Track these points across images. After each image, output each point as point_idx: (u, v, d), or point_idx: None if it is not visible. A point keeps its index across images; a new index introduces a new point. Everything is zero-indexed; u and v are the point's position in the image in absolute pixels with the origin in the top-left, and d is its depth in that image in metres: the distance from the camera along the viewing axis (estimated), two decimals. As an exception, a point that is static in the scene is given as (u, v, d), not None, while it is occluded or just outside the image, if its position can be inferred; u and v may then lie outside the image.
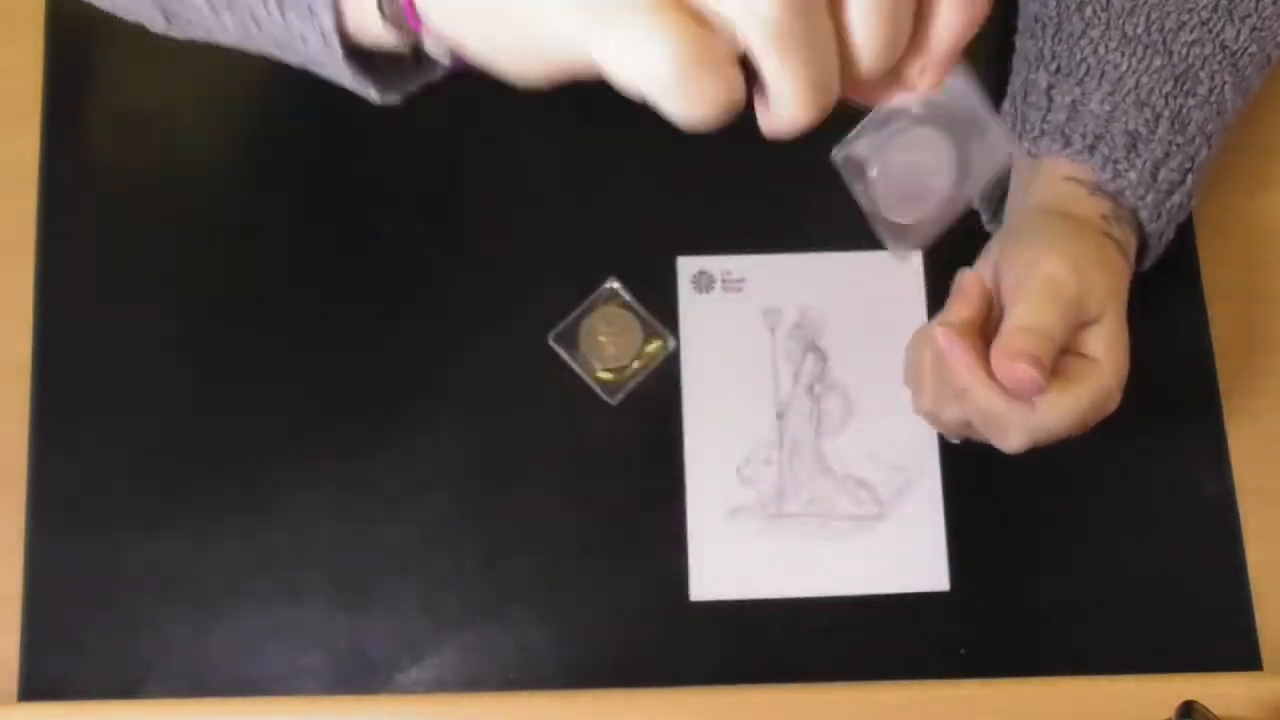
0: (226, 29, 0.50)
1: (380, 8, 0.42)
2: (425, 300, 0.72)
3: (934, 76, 0.39)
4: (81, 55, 0.76)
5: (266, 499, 0.69)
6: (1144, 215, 0.63)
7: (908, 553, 0.69)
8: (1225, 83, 0.64)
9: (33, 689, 0.66)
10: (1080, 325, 0.58)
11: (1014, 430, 0.59)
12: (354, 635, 0.67)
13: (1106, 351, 0.58)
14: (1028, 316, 0.57)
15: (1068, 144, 0.63)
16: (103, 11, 0.68)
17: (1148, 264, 0.66)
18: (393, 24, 0.43)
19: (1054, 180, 0.64)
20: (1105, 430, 0.71)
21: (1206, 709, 0.58)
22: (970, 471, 0.70)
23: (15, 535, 0.68)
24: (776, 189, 0.73)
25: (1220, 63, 0.64)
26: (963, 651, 0.67)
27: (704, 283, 0.72)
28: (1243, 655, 0.67)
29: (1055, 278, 0.57)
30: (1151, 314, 0.73)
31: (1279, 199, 0.76)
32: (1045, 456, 0.71)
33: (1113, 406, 0.59)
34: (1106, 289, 0.59)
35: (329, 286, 0.72)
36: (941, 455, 0.70)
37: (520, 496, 0.69)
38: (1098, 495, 0.70)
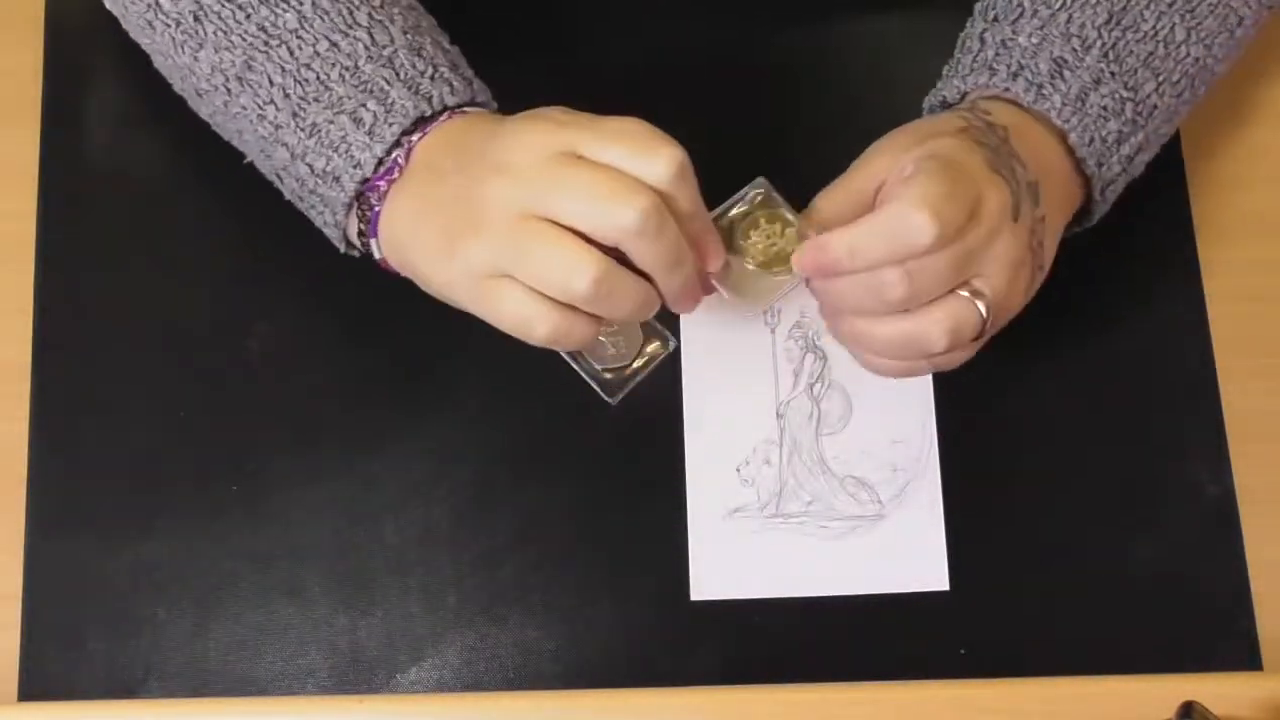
0: (249, 147, 0.66)
1: (361, 233, 0.62)
2: (425, 300, 0.72)
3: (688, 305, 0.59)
4: (81, 55, 0.76)
5: (266, 499, 0.69)
6: (1073, 139, 0.62)
7: (908, 553, 0.69)
8: (1174, 24, 0.64)
9: (33, 689, 0.66)
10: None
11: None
12: (354, 635, 0.67)
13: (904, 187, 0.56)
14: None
15: (993, 74, 0.63)
16: (102, 11, 0.69)
17: (1097, 209, 0.65)
18: (364, 244, 0.63)
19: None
20: (1106, 430, 0.71)
21: (1206, 709, 0.58)
22: (970, 471, 0.70)
23: (15, 535, 0.68)
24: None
25: (1169, 5, 0.64)
26: (963, 651, 0.67)
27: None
28: (1243, 655, 0.67)
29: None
30: (1151, 314, 0.73)
31: (1279, 199, 0.76)
32: (1045, 456, 0.71)
33: (914, 232, 0.54)
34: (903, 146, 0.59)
35: (329, 286, 0.72)
36: (941, 455, 0.70)
37: (520, 496, 0.69)
38: (1098, 495, 0.70)
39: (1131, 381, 0.72)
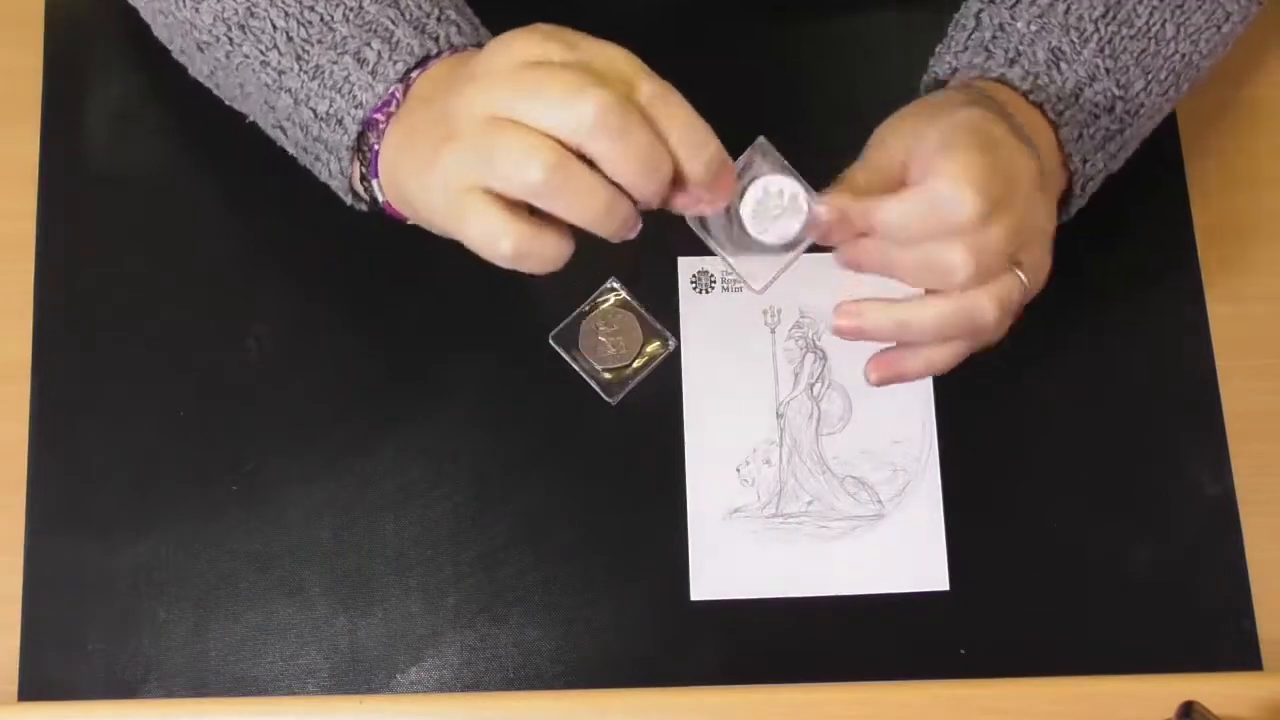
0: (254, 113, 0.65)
1: (363, 178, 0.61)
2: (425, 299, 0.72)
3: (708, 204, 0.54)
4: (81, 55, 0.76)
5: (266, 499, 0.69)
6: (1064, 133, 0.62)
7: (908, 553, 0.69)
8: (1165, 20, 0.64)
9: (33, 689, 0.66)
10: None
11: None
12: (354, 635, 0.67)
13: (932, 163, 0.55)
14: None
15: (990, 57, 0.63)
16: (102, 11, 0.69)
17: (1075, 203, 0.65)
18: (368, 189, 0.62)
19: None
20: (1106, 431, 0.71)
21: (1206, 709, 0.58)
22: (970, 471, 0.70)
23: (15, 535, 0.68)
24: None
25: (1161, 0, 0.64)
26: (963, 651, 0.67)
27: (704, 283, 0.73)
28: (1243, 655, 0.67)
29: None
30: (1151, 314, 0.73)
31: (1279, 199, 0.76)
32: (1045, 457, 0.71)
33: (960, 208, 0.53)
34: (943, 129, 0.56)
35: (329, 286, 0.72)
36: (941, 455, 0.70)
37: (520, 496, 0.69)
38: (1098, 495, 0.70)
39: (1131, 381, 0.72)
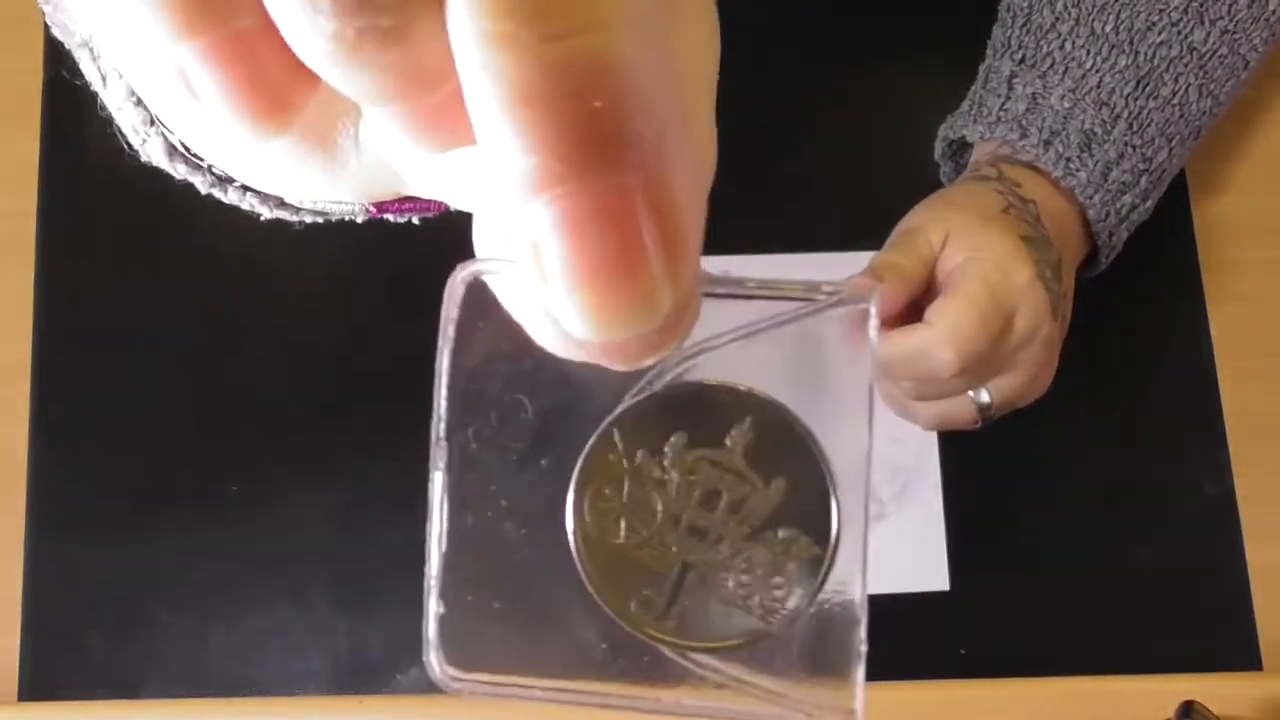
0: None
1: None
2: (426, 300, 0.72)
3: None
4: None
5: (267, 499, 0.69)
6: (1091, 214, 0.63)
7: (908, 553, 0.69)
8: (1190, 85, 0.64)
9: (33, 689, 0.66)
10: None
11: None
12: (354, 636, 0.67)
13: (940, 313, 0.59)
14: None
15: (1024, 135, 0.64)
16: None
17: (1102, 265, 0.66)
18: None
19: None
20: (1106, 430, 0.71)
21: (1206, 709, 0.58)
22: (970, 472, 0.70)
23: (15, 535, 0.68)
24: (776, 190, 0.73)
25: (1186, 65, 0.64)
26: (963, 651, 0.67)
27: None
28: (1243, 655, 0.67)
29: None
30: (1151, 314, 0.73)
31: (1279, 199, 0.76)
32: (1045, 457, 0.71)
33: (937, 366, 0.58)
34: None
35: (330, 286, 0.72)
36: (941, 455, 0.70)
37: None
38: (1098, 495, 0.70)
39: (1131, 381, 0.72)
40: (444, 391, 0.28)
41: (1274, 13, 0.65)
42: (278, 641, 0.67)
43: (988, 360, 0.59)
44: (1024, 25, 0.66)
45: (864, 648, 0.27)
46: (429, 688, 0.71)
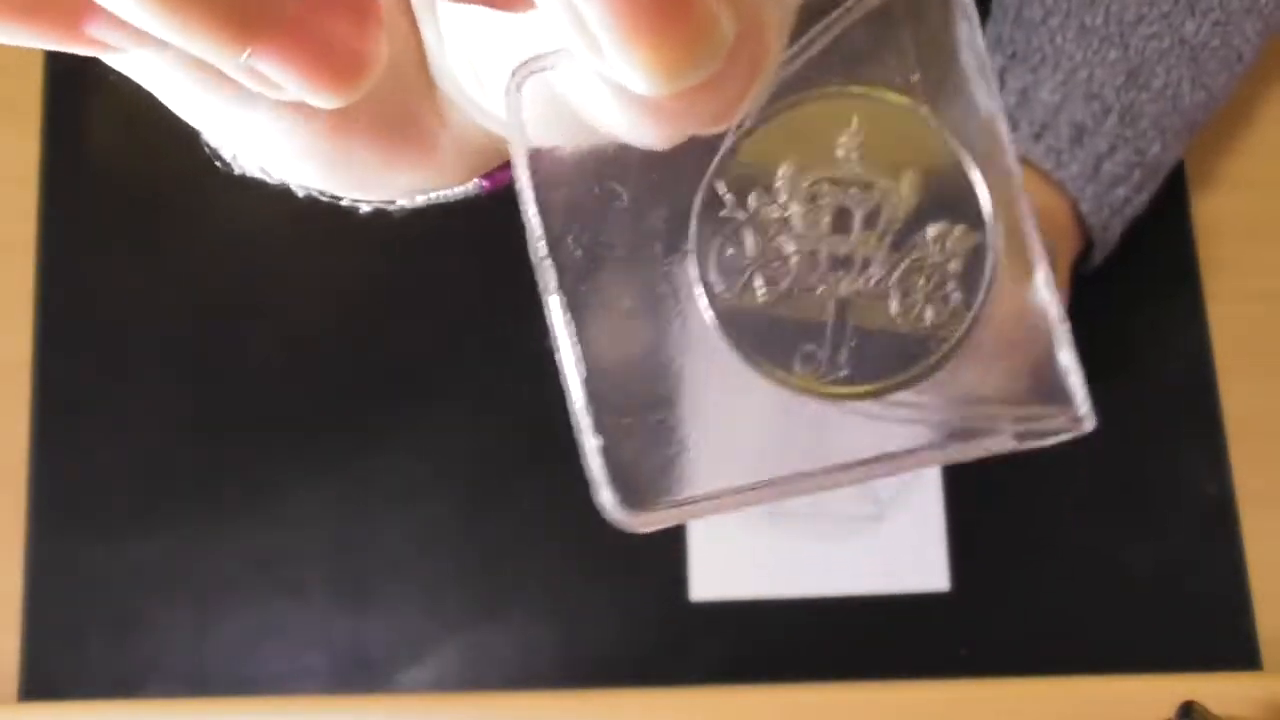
0: None
1: None
2: (425, 300, 0.72)
3: None
4: (81, 56, 0.76)
5: (267, 499, 0.69)
6: (1084, 208, 0.63)
7: (908, 553, 0.69)
8: (1182, 77, 0.64)
9: (33, 689, 0.66)
10: None
11: None
12: (354, 635, 0.67)
13: None
14: None
15: (1014, 129, 0.64)
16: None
17: (1097, 259, 0.66)
18: None
19: None
20: (1106, 430, 0.71)
21: (1206, 709, 0.58)
22: (970, 471, 0.70)
23: (15, 535, 0.68)
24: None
25: (1178, 57, 0.64)
26: (963, 651, 0.67)
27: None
28: (1243, 655, 0.67)
29: None
30: (1151, 314, 0.73)
31: (1279, 199, 0.76)
32: (1044, 456, 0.71)
33: None
34: None
35: (329, 285, 0.72)
36: (941, 455, 0.70)
37: (520, 496, 0.69)
38: (1098, 495, 0.70)
39: (1131, 382, 0.72)
40: (532, 208, 0.25)
41: (1266, 4, 0.65)
42: (278, 640, 0.67)
43: None
44: (1014, 20, 0.66)
45: (1066, 327, 0.24)
46: (429, 687, 0.71)
